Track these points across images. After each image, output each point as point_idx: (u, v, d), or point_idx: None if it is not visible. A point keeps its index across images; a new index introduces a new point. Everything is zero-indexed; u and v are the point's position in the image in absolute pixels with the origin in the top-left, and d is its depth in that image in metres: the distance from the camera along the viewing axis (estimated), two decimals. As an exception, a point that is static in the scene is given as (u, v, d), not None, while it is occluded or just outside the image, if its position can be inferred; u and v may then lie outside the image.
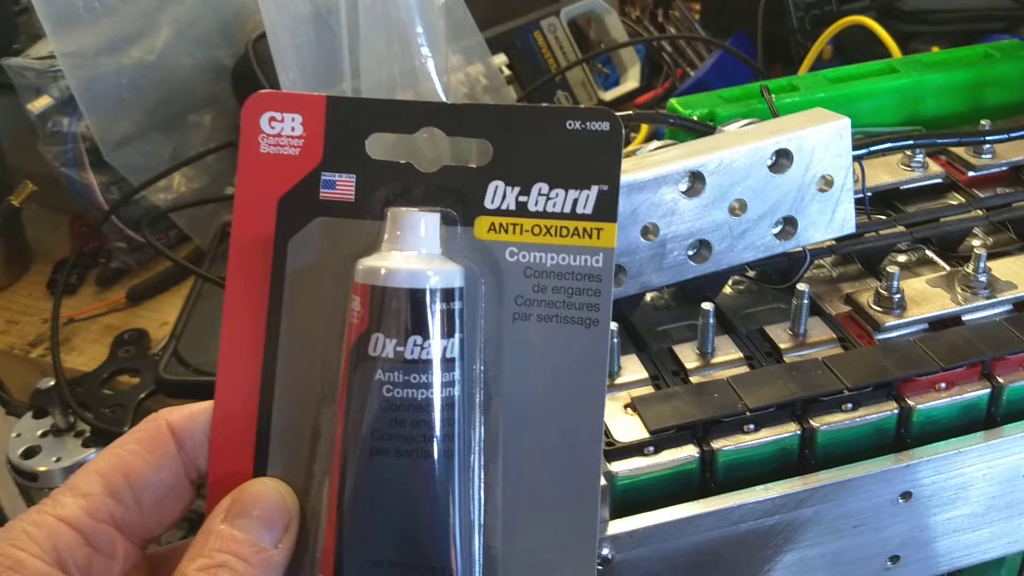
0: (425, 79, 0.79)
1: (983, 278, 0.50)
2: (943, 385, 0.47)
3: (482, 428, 0.36)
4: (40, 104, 0.83)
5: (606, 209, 0.35)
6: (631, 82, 0.97)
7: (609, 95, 0.96)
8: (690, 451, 0.45)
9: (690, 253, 0.51)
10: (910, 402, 0.46)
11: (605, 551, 0.43)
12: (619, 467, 0.44)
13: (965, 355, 0.47)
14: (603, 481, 0.43)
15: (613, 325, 0.48)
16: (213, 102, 0.87)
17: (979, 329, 0.49)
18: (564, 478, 0.35)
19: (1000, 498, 0.48)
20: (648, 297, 0.55)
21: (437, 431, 0.34)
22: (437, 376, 0.34)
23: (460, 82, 0.86)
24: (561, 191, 0.35)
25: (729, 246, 0.51)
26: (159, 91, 0.83)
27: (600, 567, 0.43)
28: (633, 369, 0.49)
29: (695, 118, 0.63)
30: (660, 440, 0.45)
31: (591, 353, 0.35)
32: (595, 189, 0.35)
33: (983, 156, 0.60)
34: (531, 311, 0.35)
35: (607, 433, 0.46)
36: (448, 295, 0.34)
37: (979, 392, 0.47)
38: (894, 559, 0.48)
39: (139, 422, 0.37)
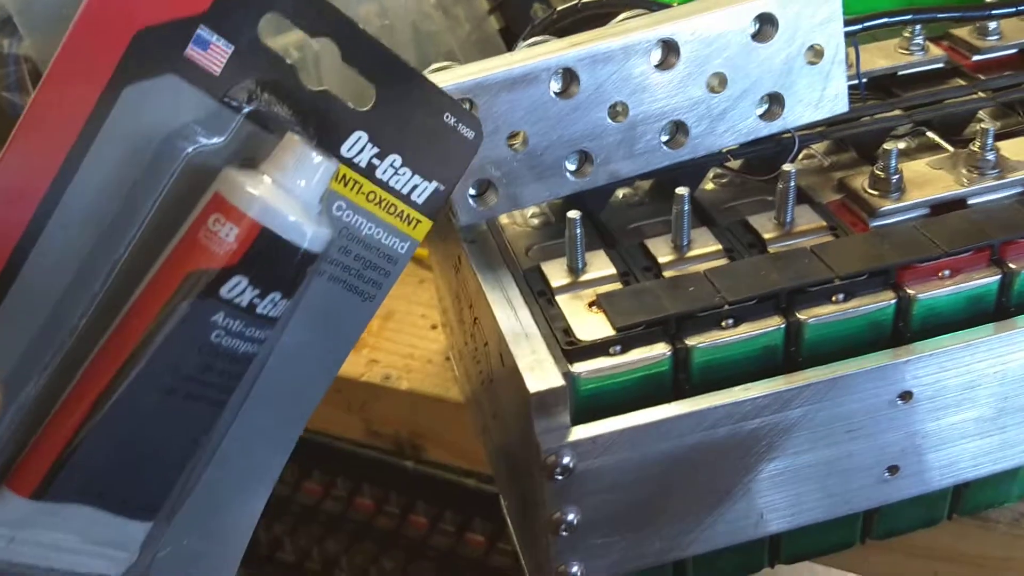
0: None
1: (991, 156, 0.45)
2: (947, 272, 0.42)
3: None
4: (-24, 24, 0.78)
5: (433, 206, 0.36)
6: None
7: None
8: (661, 349, 0.40)
9: (664, 138, 0.45)
10: (910, 291, 0.41)
11: (566, 459, 0.38)
12: (582, 367, 0.39)
13: (972, 239, 0.42)
14: (563, 382, 0.38)
15: (575, 213, 0.43)
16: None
17: (987, 211, 0.44)
18: (275, 422, 0.36)
19: (1013, 400, 0.43)
20: (620, 194, 0.50)
21: (237, 386, 0.33)
22: (267, 335, 0.33)
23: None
24: (409, 172, 0.35)
25: (708, 128, 0.46)
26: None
27: (560, 476, 0.39)
28: (600, 265, 0.44)
29: (675, 4, 0.58)
30: (627, 338, 0.40)
31: (355, 324, 0.36)
32: (434, 184, 0.35)
33: (988, 38, 0.55)
34: (327, 268, 0.35)
35: (569, 332, 0.41)
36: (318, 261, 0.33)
37: (988, 280, 0.42)
38: (892, 469, 0.43)
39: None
